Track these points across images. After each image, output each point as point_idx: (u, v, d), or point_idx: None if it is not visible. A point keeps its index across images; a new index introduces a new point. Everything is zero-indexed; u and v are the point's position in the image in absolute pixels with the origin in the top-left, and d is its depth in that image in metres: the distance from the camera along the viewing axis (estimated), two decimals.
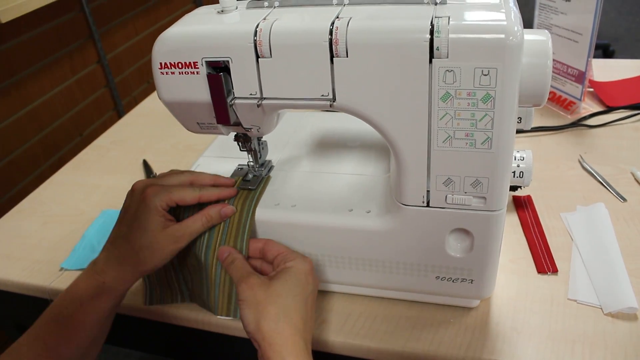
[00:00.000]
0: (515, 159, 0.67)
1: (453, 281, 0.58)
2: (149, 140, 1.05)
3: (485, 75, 0.45)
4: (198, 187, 0.59)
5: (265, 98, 0.52)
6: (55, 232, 0.82)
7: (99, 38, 1.62)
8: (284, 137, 0.74)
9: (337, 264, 0.60)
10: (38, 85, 1.42)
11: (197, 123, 0.58)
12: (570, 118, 0.97)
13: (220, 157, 0.72)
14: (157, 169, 0.95)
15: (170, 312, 0.65)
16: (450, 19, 0.45)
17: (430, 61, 0.46)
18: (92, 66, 1.63)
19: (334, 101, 0.50)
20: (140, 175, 0.94)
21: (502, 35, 0.44)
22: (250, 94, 0.52)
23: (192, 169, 0.70)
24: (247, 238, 0.57)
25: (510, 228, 0.72)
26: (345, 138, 0.72)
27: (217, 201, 0.59)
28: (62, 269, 0.74)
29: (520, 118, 0.55)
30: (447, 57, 0.45)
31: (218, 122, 0.55)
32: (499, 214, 0.52)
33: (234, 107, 0.54)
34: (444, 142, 0.49)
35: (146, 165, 0.96)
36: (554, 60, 0.96)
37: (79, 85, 1.59)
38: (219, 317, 0.56)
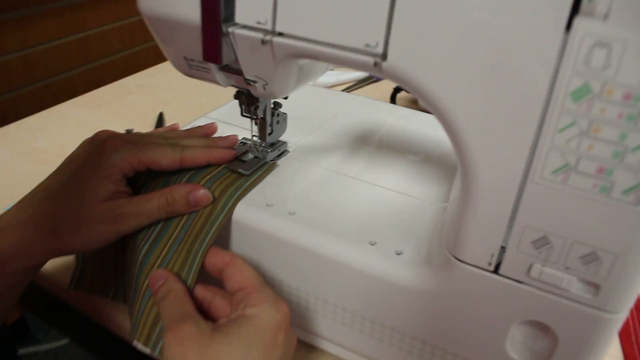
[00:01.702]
0: None
1: None
2: (177, 92, 0.89)
3: None
4: (181, 147, 0.42)
5: (278, 33, 0.33)
6: (24, 168, 0.68)
7: None
8: (318, 119, 0.54)
9: (333, 316, 0.40)
10: (96, 14, 1.31)
11: (185, 58, 0.39)
12: None
13: (226, 124, 0.53)
14: None
15: (99, 308, 0.47)
16: None
17: (570, 23, 0.25)
18: None
19: (383, 59, 0.30)
20: (149, 129, 0.77)
21: None
22: (258, 22, 0.33)
23: None
24: (209, 243, 0.38)
25: None
26: (402, 141, 0.51)
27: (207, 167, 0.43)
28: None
29: None
30: (605, 19, 0.24)
31: (205, 59, 0.36)
32: (613, 320, 0.30)
33: (231, 38, 0.34)
34: (554, 172, 0.28)
35: (160, 120, 0.79)
36: None
37: (143, 26, 1.46)
38: (135, 343, 0.37)
